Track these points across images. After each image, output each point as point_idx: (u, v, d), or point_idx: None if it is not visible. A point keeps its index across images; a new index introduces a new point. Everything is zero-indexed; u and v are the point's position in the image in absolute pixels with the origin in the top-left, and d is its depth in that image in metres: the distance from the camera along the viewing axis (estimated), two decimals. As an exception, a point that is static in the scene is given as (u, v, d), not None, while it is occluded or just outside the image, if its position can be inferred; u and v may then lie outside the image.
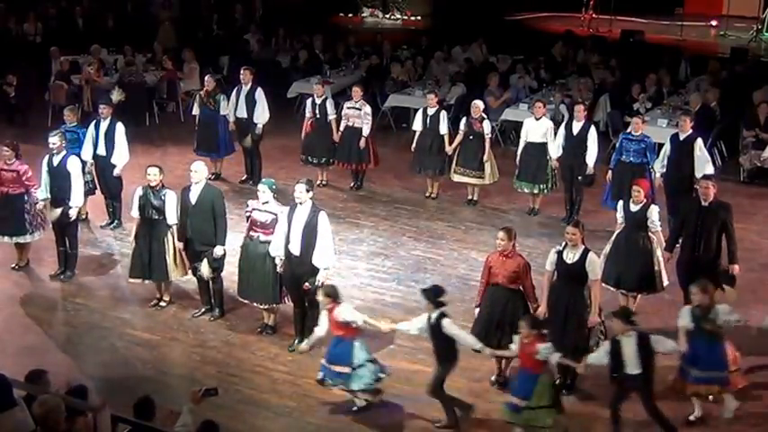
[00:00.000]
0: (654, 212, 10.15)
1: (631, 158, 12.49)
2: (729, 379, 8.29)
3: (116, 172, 12.64)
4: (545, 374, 7.98)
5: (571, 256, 8.92)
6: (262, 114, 14.30)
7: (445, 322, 8.26)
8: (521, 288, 8.96)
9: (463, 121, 13.77)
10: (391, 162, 14.64)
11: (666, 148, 12.37)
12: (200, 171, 10.33)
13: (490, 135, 13.77)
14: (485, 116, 13.82)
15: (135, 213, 10.49)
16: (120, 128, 12.60)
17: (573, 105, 15.97)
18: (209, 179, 14.66)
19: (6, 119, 17.35)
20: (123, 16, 22.95)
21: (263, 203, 9.86)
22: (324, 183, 14.66)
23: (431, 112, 13.95)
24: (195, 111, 14.65)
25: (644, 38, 22.43)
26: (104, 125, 12.57)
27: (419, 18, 27.17)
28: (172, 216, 10.36)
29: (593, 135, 12.92)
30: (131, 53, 18.81)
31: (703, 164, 12.09)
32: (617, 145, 13.02)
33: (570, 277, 8.92)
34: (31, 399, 6.29)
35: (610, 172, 12.74)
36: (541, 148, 13.29)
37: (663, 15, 25.57)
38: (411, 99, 17.29)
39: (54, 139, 11.16)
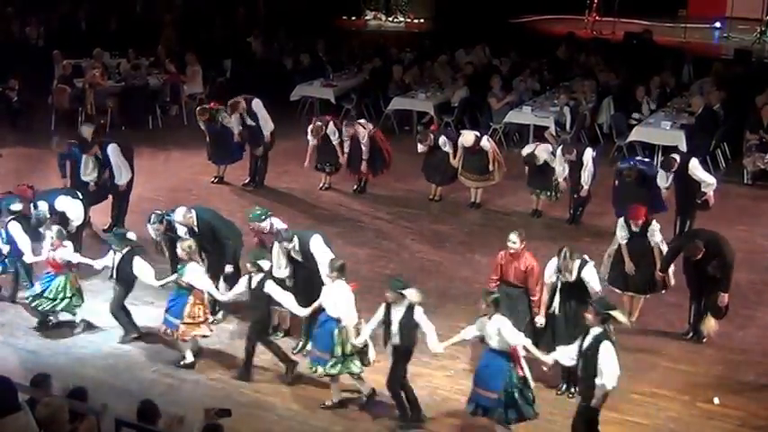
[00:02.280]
0: (655, 232, 10.07)
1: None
2: (179, 327, 9.34)
3: (120, 187, 12.65)
4: (62, 275, 9.93)
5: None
6: (265, 125, 14.40)
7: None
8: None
9: (460, 140, 13.61)
10: (394, 165, 14.60)
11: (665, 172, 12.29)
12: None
13: (490, 146, 13.68)
14: (479, 135, 13.75)
15: None
16: (112, 150, 12.46)
17: (576, 108, 15.97)
18: (212, 182, 14.77)
19: (9, 123, 17.32)
20: (126, 20, 22.94)
21: None
22: (326, 186, 14.66)
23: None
24: (201, 126, 14.65)
25: (651, 38, 22.28)
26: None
27: (422, 21, 27.09)
28: None
29: (587, 158, 12.81)
30: (134, 56, 18.83)
31: (704, 179, 11.95)
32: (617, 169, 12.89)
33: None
34: (34, 402, 6.28)
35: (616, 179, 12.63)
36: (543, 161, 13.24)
37: (666, 17, 25.50)
38: (414, 102, 17.27)
39: None
